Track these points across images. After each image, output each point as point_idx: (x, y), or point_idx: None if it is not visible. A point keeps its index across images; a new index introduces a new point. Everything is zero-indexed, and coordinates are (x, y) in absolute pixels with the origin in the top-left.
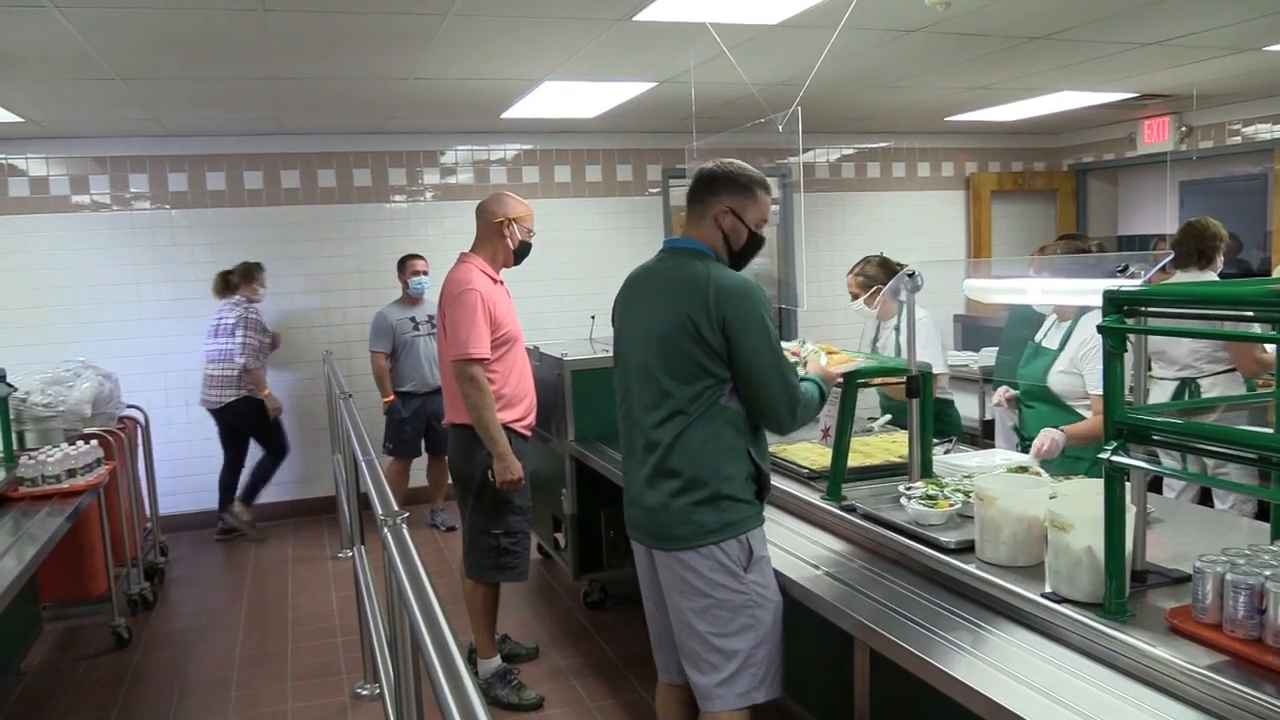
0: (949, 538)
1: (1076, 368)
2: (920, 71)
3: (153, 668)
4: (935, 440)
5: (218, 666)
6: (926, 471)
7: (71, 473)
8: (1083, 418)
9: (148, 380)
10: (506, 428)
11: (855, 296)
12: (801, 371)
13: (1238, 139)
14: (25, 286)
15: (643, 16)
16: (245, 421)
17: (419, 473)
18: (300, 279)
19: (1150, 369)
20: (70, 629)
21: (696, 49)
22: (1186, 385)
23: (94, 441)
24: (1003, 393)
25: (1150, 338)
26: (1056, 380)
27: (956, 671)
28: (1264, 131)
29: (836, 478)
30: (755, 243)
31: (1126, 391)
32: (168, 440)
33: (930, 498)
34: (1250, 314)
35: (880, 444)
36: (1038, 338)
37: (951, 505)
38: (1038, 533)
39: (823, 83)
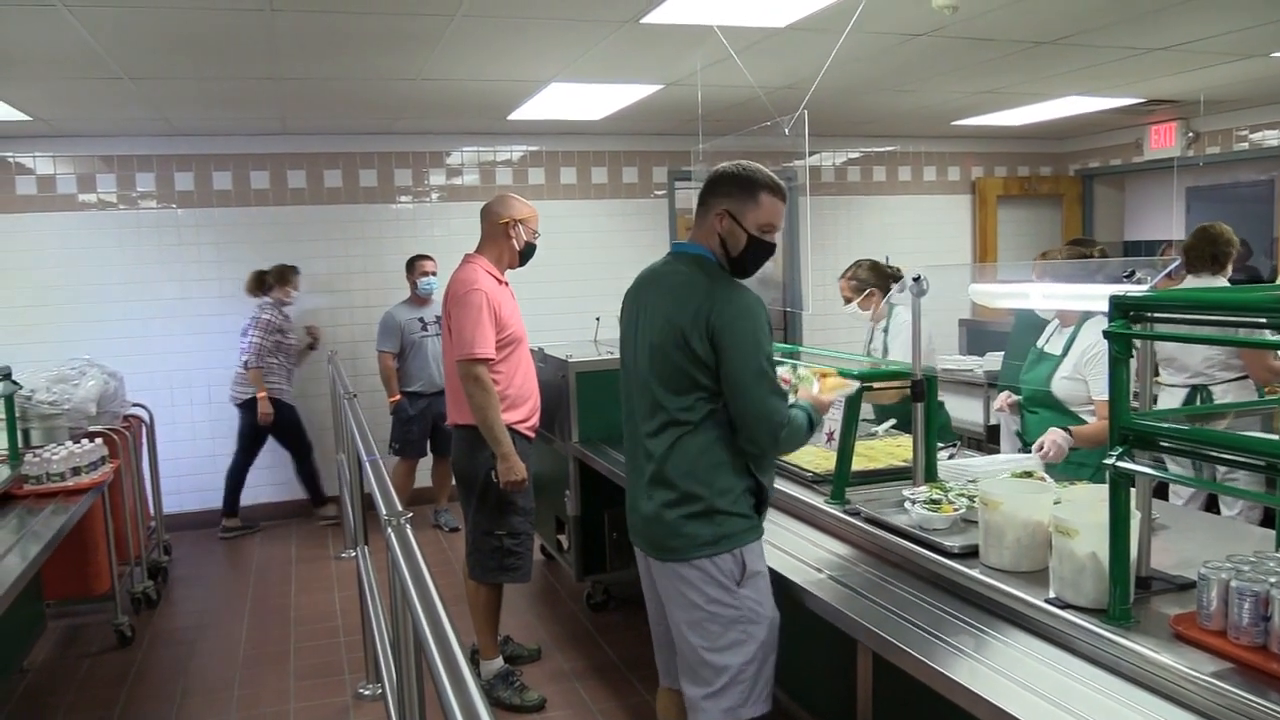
0: (953, 542)
1: (1080, 373)
2: (927, 75)
3: (155, 666)
4: (939, 445)
5: (220, 665)
6: (930, 476)
7: (76, 471)
8: (1086, 424)
9: (153, 379)
10: (510, 428)
11: (848, 300)
12: (792, 398)
13: (1245, 145)
14: (31, 284)
15: (650, 19)
16: (259, 420)
17: (424, 473)
18: (306, 279)
19: (1158, 375)
20: (73, 627)
21: (703, 51)
22: (1198, 392)
23: (99, 440)
24: (1005, 398)
25: (1161, 345)
26: (1060, 386)
27: (959, 676)
28: (1271, 138)
29: (840, 481)
30: (757, 248)
31: (1131, 397)
32: (172, 439)
33: (934, 502)
34: (1263, 320)
35: (884, 448)
36: (1040, 343)
37: (955, 510)
38: (1042, 538)
39: (829, 86)
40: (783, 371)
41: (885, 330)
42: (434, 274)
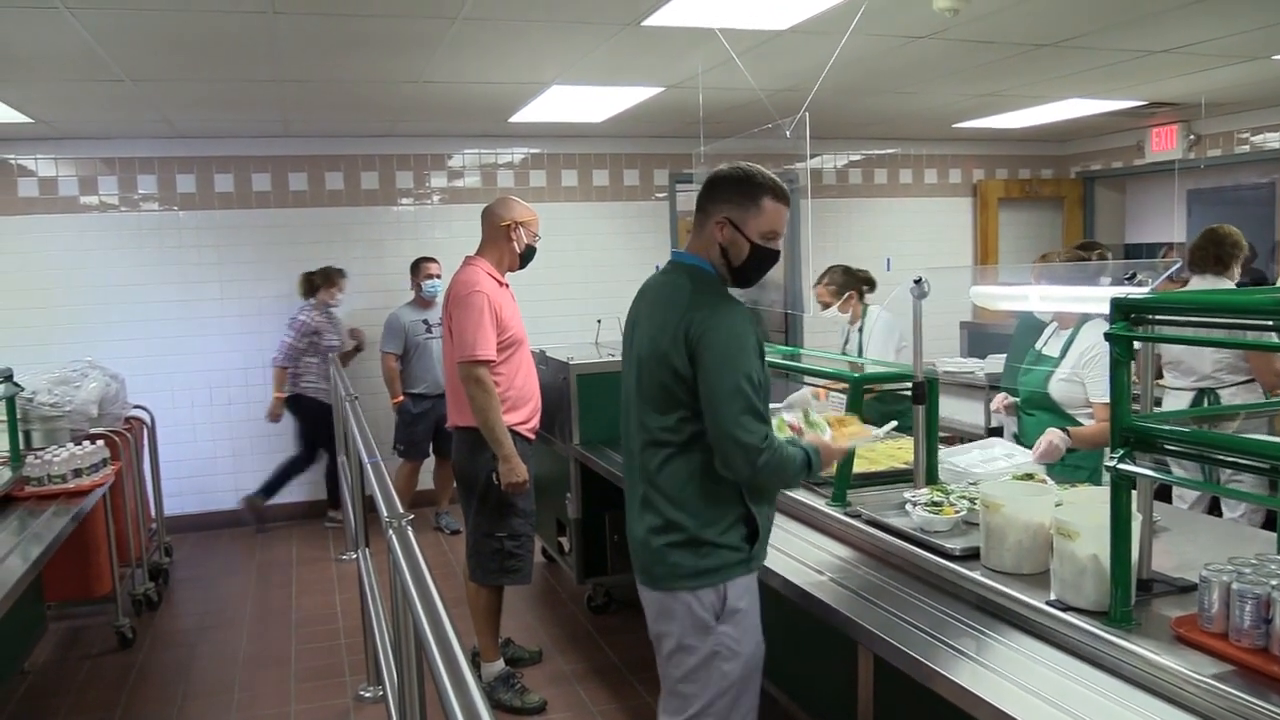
0: (954, 544)
1: (1078, 376)
2: (928, 78)
3: (156, 668)
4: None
5: (221, 667)
6: (932, 478)
7: (77, 473)
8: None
9: (154, 381)
10: (511, 430)
11: (827, 305)
12: (800, 440)
13: (1246, 148)
14: (33, 286)
15: (651, 22)
16: (300, 416)
17: (426, 475)
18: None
19: (1161, 378)
20: (75, 629)
21: (705, 54)
22: (1205, 395)
23: (100, 442)
24: (1002, 399)
25: (1168, 348)
26: (1057, 388)
27: (960, 678)
28: (1272, 140)
29: (841, 483)
30: (760, 257)
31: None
32: (173, 441)
33: (935, 504)
34: (1270, 323)
35: (885, 450)
36: (1038, 345)
37: (957, 512)
38: (1043, 540)
39: (831, 88)
40: (791, 418)
41: (860, 330)
42: (439, 276)
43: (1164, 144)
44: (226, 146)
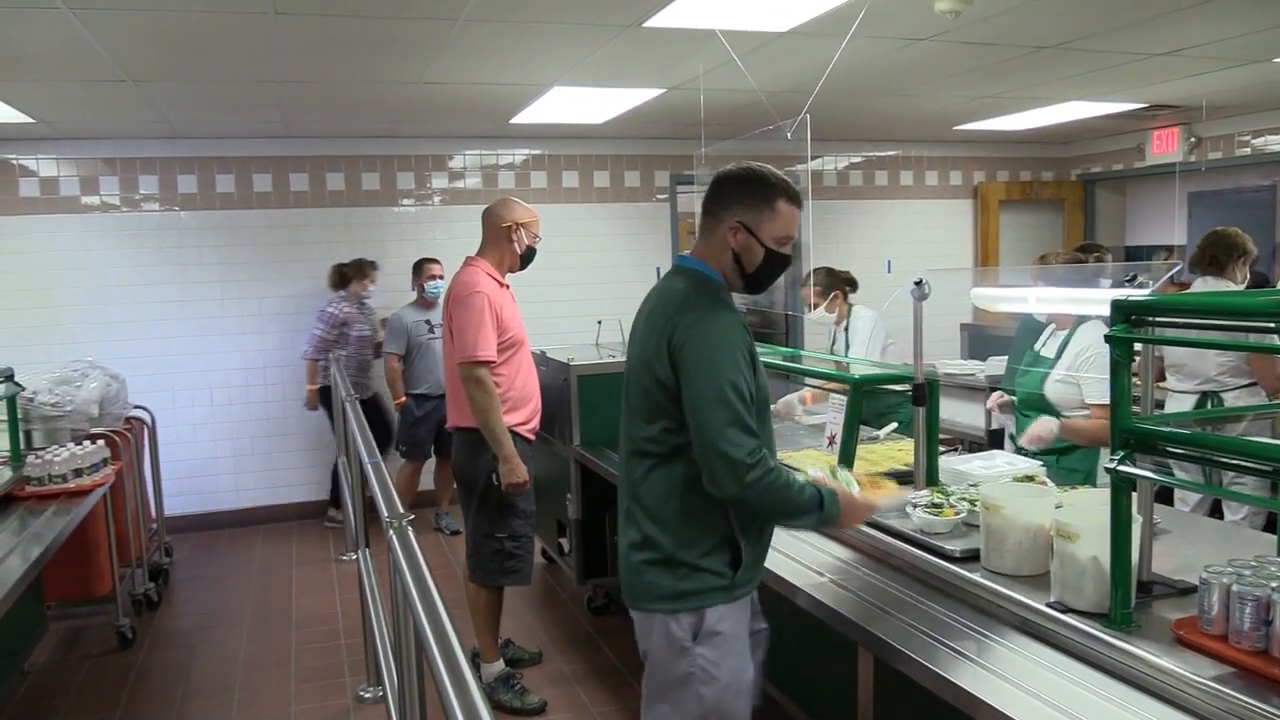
0: (954, 546)
1: (1073, 377)
2: (929, 80)
3: (157, 668)
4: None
5: (221, 668)
6: (932, 480)
7: (78, 472)
8: None
9: (155, 381)
10: (511, 431)
11: (814, 306)
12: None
13: (1247, 150)
14: (34, 286)
15: (652, 23)
16: (332, 408)
17: (427, 476)
18: (308, 282)
19: (1163, 380)
20: (75, 629)
21: (706, 56)
22: (1209, 398)
23: (100, 441)
24: (997, 398)
25: (1170, 350)
26: (1053, 389)
27: (960, 680)
28: (1273, 143)
29: None
30: (774, 262)
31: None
32: (174, 441)
33: (936, 506)
34: (1271, 325)
35: (886, 452)
36: (1036, 346)
37: (957, 514)
38: (1043, 542)
39: (832, 90)
40: (816, 473)
41: (846, 329)
42: (441, 277)
43: (1165, 146)
44: (227, 147)
